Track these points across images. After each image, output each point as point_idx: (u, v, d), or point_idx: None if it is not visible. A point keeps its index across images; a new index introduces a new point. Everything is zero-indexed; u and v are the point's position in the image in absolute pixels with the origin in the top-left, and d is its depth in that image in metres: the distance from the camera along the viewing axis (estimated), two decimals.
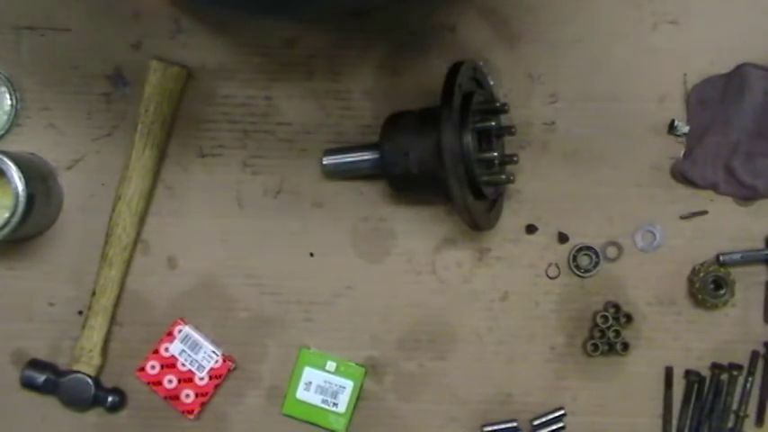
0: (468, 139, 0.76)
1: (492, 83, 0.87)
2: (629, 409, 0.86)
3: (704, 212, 0.87)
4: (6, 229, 0.79)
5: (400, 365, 0.87)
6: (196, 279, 0.87)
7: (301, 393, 0.85)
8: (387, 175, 0.82)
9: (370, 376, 0.87)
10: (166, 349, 0.85)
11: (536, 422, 0.85)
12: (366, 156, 0.83)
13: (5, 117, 0.87)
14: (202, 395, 0.85)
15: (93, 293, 0.85)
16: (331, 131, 0.87)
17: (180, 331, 0.86)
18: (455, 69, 0.77)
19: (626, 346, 0.85)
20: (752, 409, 0.86)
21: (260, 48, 0.87)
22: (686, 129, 0.86)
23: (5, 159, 0.79)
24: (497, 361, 0.87)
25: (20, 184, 0.79)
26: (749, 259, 0.86)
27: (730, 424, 0.85)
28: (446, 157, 0.74)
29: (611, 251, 0.87)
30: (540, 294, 0.87)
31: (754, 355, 0.86)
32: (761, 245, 0.86)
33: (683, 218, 0.87)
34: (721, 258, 0.85)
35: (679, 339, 0.86)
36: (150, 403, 0.86)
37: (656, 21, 0.88)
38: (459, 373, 0.86)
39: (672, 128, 0.86)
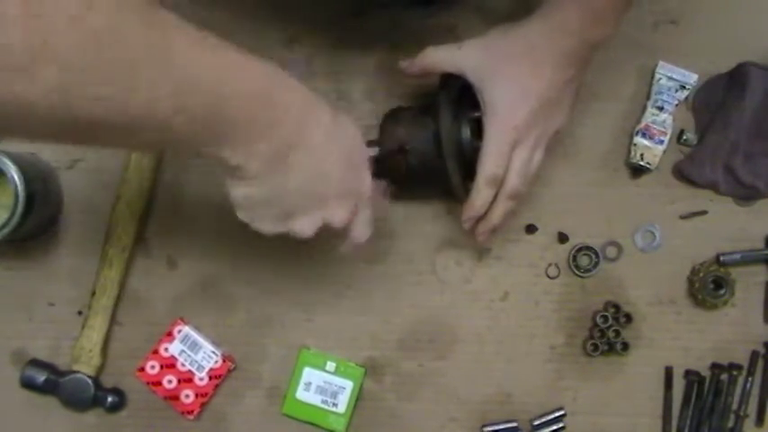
0: (467, 126, 0.76)
1: None
2: (629, 409, 0.86)
3: (704, 212, 0.87)
4: (6, 229, 0.79)
5: (400, 365, 0.87)
6: (196, 279, 0.87)
7: (301, 393, 0.85)
8: (386, 170, 0.81)
9: (370, 376, 0.86)
10: (166, 349, 0.85)
11: (536, 422, 0.85)
12: None
13: None
14: (202, 395, 0.85)
15: (93, 293, 0.85)
16: None
17: (180, 331, 0.85)
18: None
19: (626, 346, 0.85)
20: (752, 409, 0.85)
21: (260, 48, 0.87)
22: (695, 140, 0.86)
23: (5, 159, 0.79)
24: (497, 361, 0.87)
25: (20, 184, 0.79)
26: (749, 259, 0.86)
27: (730, 424, 0.85)
28: (444, 140, 0.75)
29: (611, 251, 0.87)
30: (540, 294, 0.87)
31: (754, 355, 0.86)
32: (761, 245, 0.86)
33: (682, 218, 0.87)
34: (721, 258, 0.85)
35: (679, 339, 0.86)
36: (150, 403, 0.86)
37: (656, 21, 0.88)
38: (459, 373, 0.86)
39: (680, 139, 0.86)
